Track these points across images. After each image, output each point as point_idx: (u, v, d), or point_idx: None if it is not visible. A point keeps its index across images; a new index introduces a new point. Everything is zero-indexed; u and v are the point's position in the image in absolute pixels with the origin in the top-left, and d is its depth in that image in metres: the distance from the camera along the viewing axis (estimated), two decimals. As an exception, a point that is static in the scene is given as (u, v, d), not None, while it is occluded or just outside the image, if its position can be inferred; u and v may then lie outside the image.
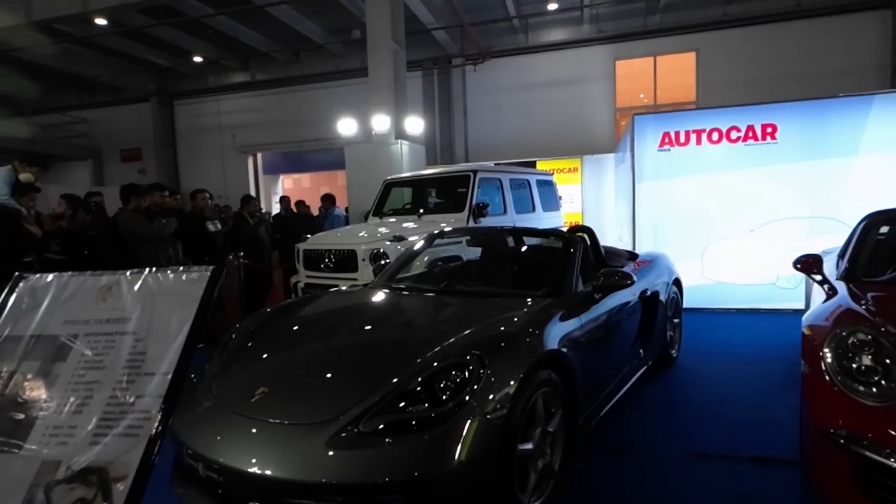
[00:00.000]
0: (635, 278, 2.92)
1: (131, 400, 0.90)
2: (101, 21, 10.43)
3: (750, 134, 5.68)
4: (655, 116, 6.20)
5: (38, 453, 0.88)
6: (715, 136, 5.77)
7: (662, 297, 3.77)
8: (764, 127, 5.64)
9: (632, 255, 4.10)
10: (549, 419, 2.22)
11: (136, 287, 1.01)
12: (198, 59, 13.19)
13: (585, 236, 3.41)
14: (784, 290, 5.56)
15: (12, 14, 9.56)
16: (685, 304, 4.43)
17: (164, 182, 10.71)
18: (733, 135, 5.72)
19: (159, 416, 0.87)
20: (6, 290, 1.08)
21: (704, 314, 5.69)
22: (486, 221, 5.64)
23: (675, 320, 4.19)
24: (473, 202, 5.69)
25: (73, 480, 0.83)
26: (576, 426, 2.43)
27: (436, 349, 2.12)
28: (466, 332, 2.28)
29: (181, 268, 1.01)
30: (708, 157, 5.79)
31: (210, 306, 0.95)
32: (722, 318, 5.63)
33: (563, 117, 12.02)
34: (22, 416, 0.93)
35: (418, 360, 2.05)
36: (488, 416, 1.85)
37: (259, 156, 15.17)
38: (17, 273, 1.09)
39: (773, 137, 5.62)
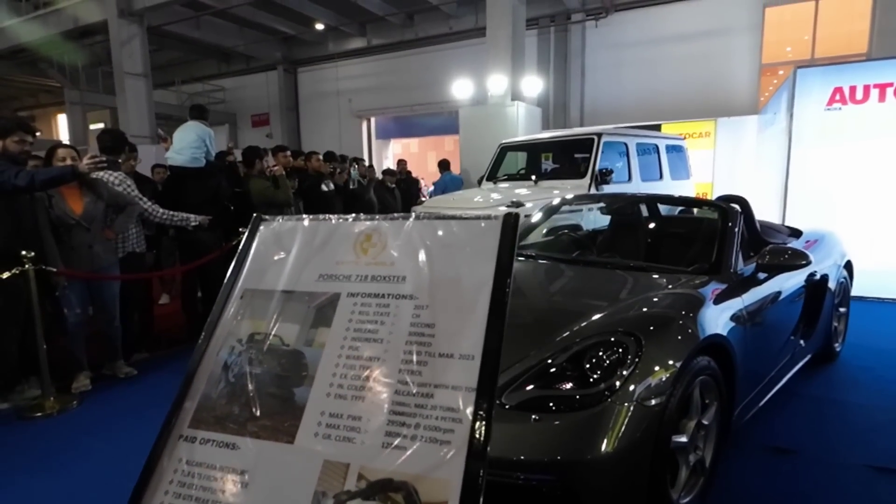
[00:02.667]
0: (811, 258, 2.49)
1: (429, 391, 0.67)
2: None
3: (955, 88, 4.60)
4: (825, 69, 5.25)
5: (317, 448, 0.68)
6: (905, 91, 4.75)
7: (831, 283, 3.23)
8: (978, 79, 4.53)
9: (794, 232, 3.55)
10: (705, 410, 1.98)
11: (405, 238, 0.78)
12: (319, 26, 13.72)
13: (738, 208, 2.98)
14: None
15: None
16: (854, 292, 3.79)
17: (287, 144, 11.46)
18: (931, 89, 4.67)
19: (471, 419, 0.63)
20: (246, 235, 0.93)
21: (873, 303, 4.86)
22: (610, 189, 5.24)
23: (842, 309, 3.60)
24: (596, 168, 5.31)
25: (370, 495, 0.61)
26: (731, 420, 2.16)
27: (581, 324, 1.96)
28: (612, 308, 2.09)
29: (460, 214, 0.80)
30: (893, 116, 4.80)
31: (510, 265, 0.73)
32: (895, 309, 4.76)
33: (695, 75, 10.78)
34: (289, 395, 0.73)
35: (563, 334, 1.91)
36: (644, 404, 1.67)
37: (373, 120, 15.63)
38: (255, 215, 0.94)
39: None
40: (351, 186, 6.52)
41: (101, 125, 14.38)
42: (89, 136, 14.08)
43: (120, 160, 3.79)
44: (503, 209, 4.85)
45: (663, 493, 1.74)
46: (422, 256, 0.76)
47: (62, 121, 18.76)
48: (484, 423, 0.63)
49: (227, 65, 16.65)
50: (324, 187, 5.93)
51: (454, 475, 0.59)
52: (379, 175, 7.80)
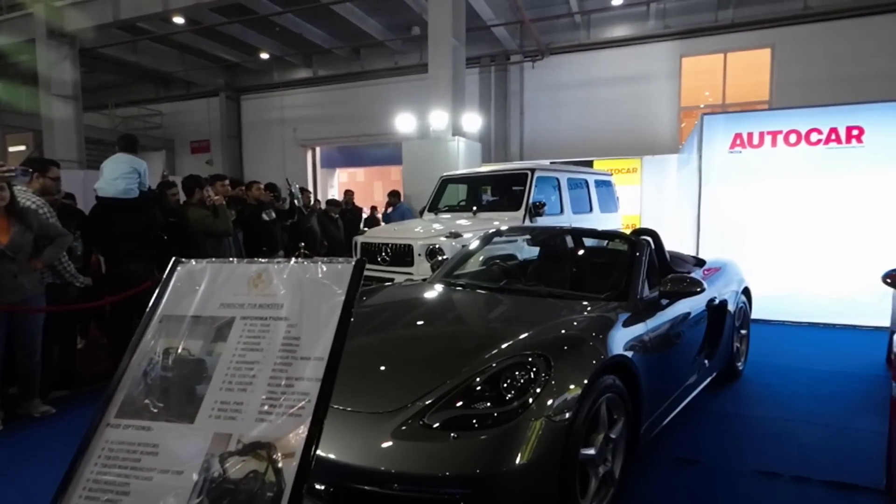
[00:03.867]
0: (706, 286, 2.80)
1: (291, 382, 0.96)
2: (178, 19, 11.06)
3: (833, 136, 5.31)
4: (727, 116, 5.91)
5: (210, 425, 0.96)
6: (793, 138, 5.43)
7: (731, 307, 3.60)
8: (849, 129, 5.26)
9: (699, 262, 3.94)
10: (612, 425, 2.17)
11: (285, 275, 1.08)
12: (264, 55, 13.75)
13: (650, 239, 3.30)
14: (865, 305, 5.17)
15: (101, 14, 10.31)
16: (754, 315, 4.21)
17: (228, 173, 11.27)
18: (814, 137, 5.37)
19: (316, 399, 0.93)
20: (166, 274, 1.17)
21: (774, 326, 5.38)
22: (543, 221, 5.56)
23: (743, 331, 3.98)
24: (530, 201, 5.63)
25: (244, 453, 0.90)
26: (638, 434, 2.37)
27: (500, 347, 2.13)
28: (530, 332, 2.27)
29: (325, 259, 1.10)
30: (784, 160, 5.46)
31: (354, 297, 1.02)
32: (793, 331, 5.30)
33: (623, 116, 11.67)
34: (192, 391, 1.01)
35: (482, 357, 2.06)
36: (553, 419, 1.83)
37: (318, 150, 15.65)
38: (174, 258, 1.19)
39: (859, 141, 5.23)
40: (296, 203, 6.48)
41: (21, 148, 13.56)
42: (8, 160, 13.21)
43: (32, 178, 3.62)
44: (443, 239, 5.04)
45: (573, 503, 1.90)
46: (297, 289, 1.07)
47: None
48: (324, 400, 0.95)
49: (165, 89, 16.25)
50: (265, 216, 5.91)
51: (301, 436, 0.91)
52: (323, 205, 7.85)
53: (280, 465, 0.87)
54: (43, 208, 3.44)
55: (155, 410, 1.00)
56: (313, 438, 0.89)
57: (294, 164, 15.29)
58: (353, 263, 1.05)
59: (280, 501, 0.85)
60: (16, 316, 3.18)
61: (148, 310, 1.14)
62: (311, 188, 14.90)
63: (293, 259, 1.11)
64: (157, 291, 1.16)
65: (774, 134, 5.47)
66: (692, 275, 3.01)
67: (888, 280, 2.85)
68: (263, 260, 1.13)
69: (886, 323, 4.47)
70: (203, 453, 0.92)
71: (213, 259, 1.15)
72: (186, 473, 0.91)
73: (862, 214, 5.26)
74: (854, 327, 5.23)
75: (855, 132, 5.23)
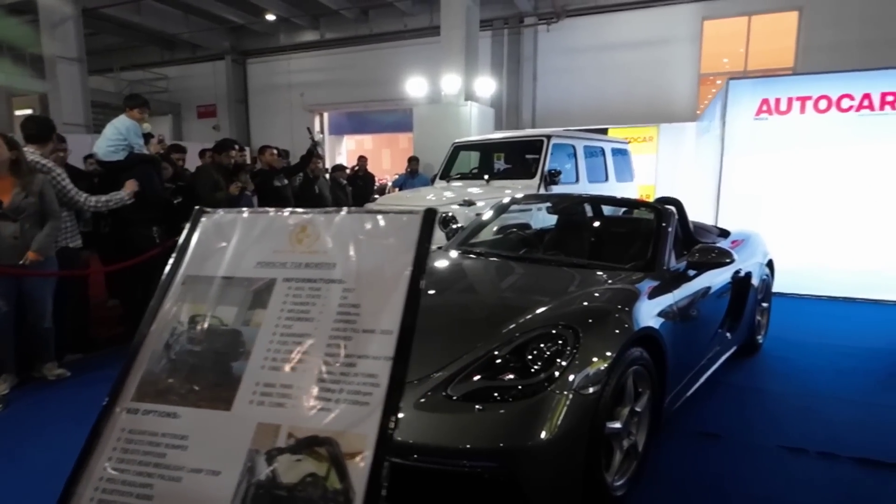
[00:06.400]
0: (735, 257, 2.69)
1: (352, 361, 0.78)
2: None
3: (865, 103, 5.05)
4: (754, 81, 5.64)
5: (252, 413, 0.77)
6: (823, 104, 5.18)
7: (754, 280, 3.50)
8: (883, 96, 5.00)
9: (723, 232, 3.81)
10: (638, 398, 2.12)
11: (336, 229, 0.89)
12: (270, 16, 13.35)
13: (673, 209, 3.18)
14: (890, 279, 5.03)
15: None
16: (775, 289, 4.10)
17: (236, 138, 11.10)
18: (845, 103, 5.11)
19: (388, 382, 0.75)
20: (188, 227, 0.98)
21: (794, 299, 5.26)
22: (558, 189, 5.42)
23: (765, 304, 3.89)
24: (545, 168, 5.47)
25: (298, 451, 0.72)
26: (662, 407, 2.31)
27: (525, 317, 2.05)
28: (555, 302, 2.19)
29: (387, 211, 0.90)
30: (813, 128, 5.22)
31: (426, 254, 0.83)
32: (815, 305, 5.18)
33: (640, 82, 11.28)
34: (227, 369, 0.82)
35: (506, 328, 1.99)
36: (580, 393, 1.77)
37: (325, 115, 15.37)
38: (197, 207, 1.00)
39: (893, 108, 4.98)
40: (318, 152, 6.33)
41: (28, 111, 13.41)
42: (14, 123, 13.11)
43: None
44: (455, 207, 4.92)
45: (598, 477, 1.85)
46: (351, 246, 0.87)
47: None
48: (398, 385, 0.76)
49: (170, 52, 15.89)
50: (276, 182, 5.80)
51: (371, 430, 0.71)
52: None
53: (346, 466, 0.69)
54: (54, 171, 3.36)
55: (182, 392, 0.81)
56: (387, 433, 0.70)
57: (301, 129, 14.97)
58: (422, 215, 0.85)
59: None
60: (25, 280, 3.14)
61: (168, 269, 0.95)
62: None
63: (345, 210, 0.91)
64: (178, 247, 0.97)
65: (804, 100, 5.22)
66: (720, 246, 2.89)
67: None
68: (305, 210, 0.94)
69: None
70: (245, 449, 0.74)
71: (246, 209, 0.97)
72: (225, 474, 0.74)
73: (892, 186, 5.05)
74: (878, 302, 5.11)
75: (890, 98, 4.97)
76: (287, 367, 0.80)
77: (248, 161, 6.97)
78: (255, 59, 15.49)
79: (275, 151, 5.75)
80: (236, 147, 5.07)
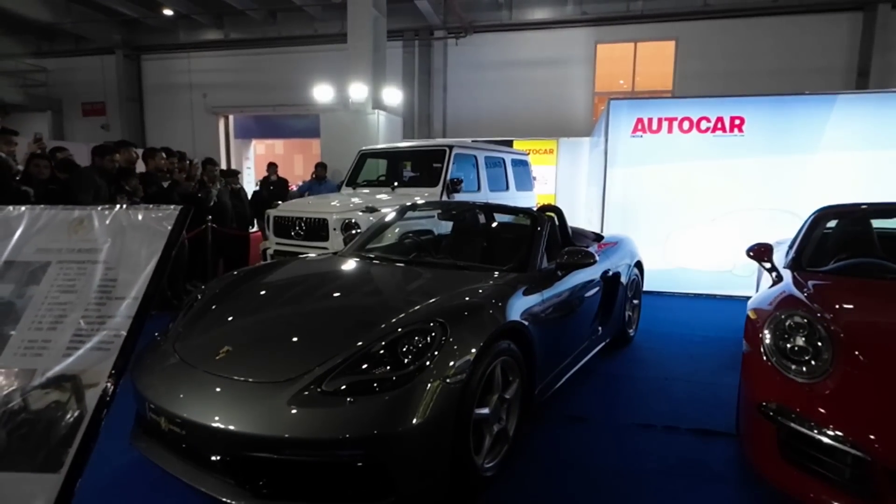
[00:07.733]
0: (597, 258, 3.03)
1: (103, 319, 0.98)
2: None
3: (719, 125, 5.84)
4: (630, 102, 6.30)
5: (15, 363, 0.95)
6: (686, 125, 5.91)
7: (623, 279, 3.91)
8: (732, 119, 5.81)
9: (597, 237, 4.22)
10: (507, 387, 2.32)
11: (108, 221, 1.08)
12: (168, 11, 12.59)
13: (554, 216, 3.50)
14: (740, 278, 5.82)
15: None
16: (648, 288, 4.61)
17: (128, 138, 10.31)
18: (703, 125, 5.88)
19: (126, 333, 0.95)
20: None
21: (665, 297, 5.93)
22: (460, 198, 5.67)
23: (635, 301, 4.35)
24: (448, 177, 5.71)
25: (47, 386, 0.91)
26: (532, 395, 2.55)
27: (400, 316, 2.19)
28: (432, 301, 2.35)
29: (151, 206, 1.09)
30: (678, 145, 5.95)
31: (177, 242, 1.03)
32: (681, 301, 5.87)
33: (542, 98, 12.04)
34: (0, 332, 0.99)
35: (383, 326, 2.11)
36: (448, 381, 1.93)
37: (231, 118, 14.73)
38: None
39: (740, 130, 5.80)
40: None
41: None
42: None
43: None
44: (360, 214, 5.00)
45: (467, 459, 2.02)
46: (118, 234, 1.08)
47: None
48: (134, 335, 0.97)
49: (49, 43, 14.44)
50: (165, 186, 5.52)
51: (107, 367, 0.93)
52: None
53: (84, 393, 0.89)
54: None
55: None
56: (120, 370, 0.91)
57: (204, 132, 14.30)
58: (179, 210, 1.07)
59: (80, 426, 0.86)
60: None
61: None
62: (223, 159, 14.06)
63: (119, 206, 1.11)
64: None
65: (671, 120, 5.93)
66: (588, 249, 3.23)
67: (750, 254, 3.25)
68: (88, 207, 1.14)
69: (755, 292, 5.07)
70: (7, 391, 0.93)
71: (35, 206, 1.13)
72: None
73: (741, 197, 5.87)
74: (731, 298, 5.89)
75: (737, 122, 5.79)
76: (47, 327, 1.00)
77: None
78: (151, 55, 14.53)
79: (163, 155, 5.48)
80: (132, 149, 4.78)
